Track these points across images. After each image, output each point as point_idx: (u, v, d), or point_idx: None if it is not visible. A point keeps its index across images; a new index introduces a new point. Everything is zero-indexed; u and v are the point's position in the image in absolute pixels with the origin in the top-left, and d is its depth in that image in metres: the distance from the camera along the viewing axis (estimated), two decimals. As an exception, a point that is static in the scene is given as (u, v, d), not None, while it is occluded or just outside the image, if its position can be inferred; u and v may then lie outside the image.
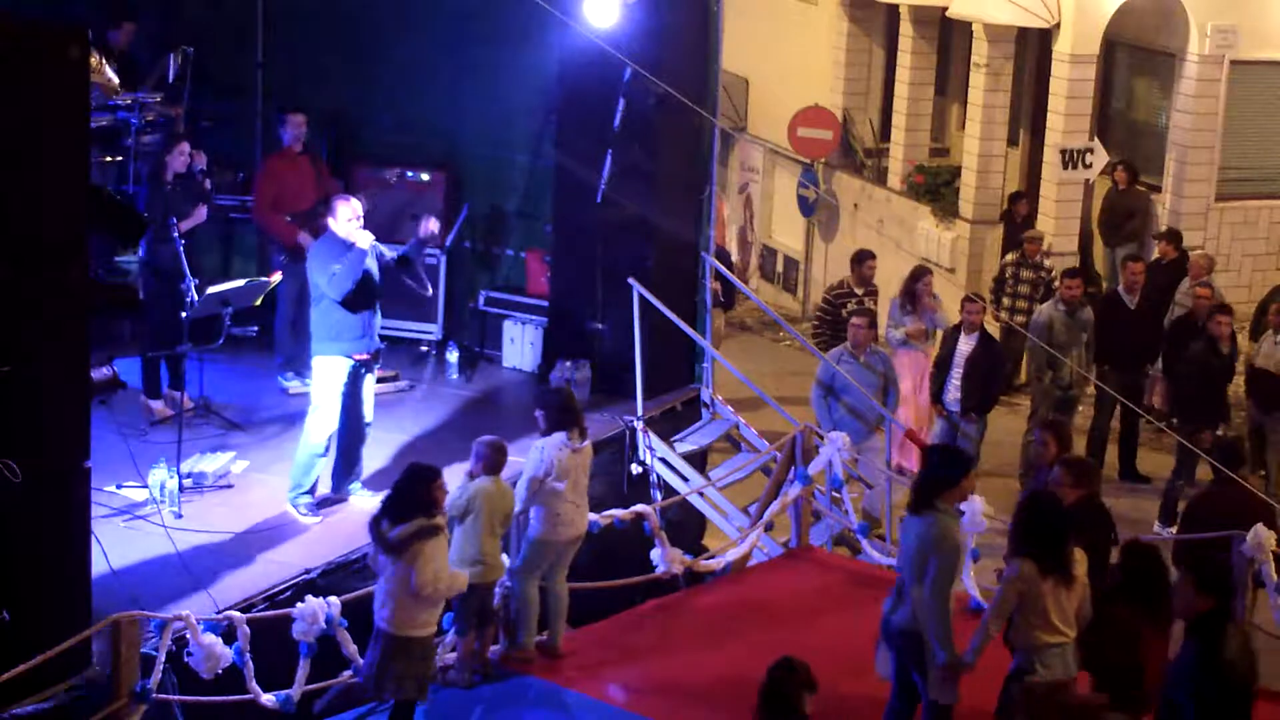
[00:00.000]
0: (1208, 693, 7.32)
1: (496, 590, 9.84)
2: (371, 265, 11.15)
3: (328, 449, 11.16)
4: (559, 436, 9.86)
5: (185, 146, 12.62)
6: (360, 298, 11.04)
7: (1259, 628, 11.20)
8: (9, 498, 8.17)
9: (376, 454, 11.94)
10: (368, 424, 11.40)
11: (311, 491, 11.18)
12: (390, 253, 11.35)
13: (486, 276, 14.69)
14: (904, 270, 19.72)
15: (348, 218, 11.06)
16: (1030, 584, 8.14)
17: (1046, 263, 17.05)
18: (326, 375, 11.08)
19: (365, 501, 11.24)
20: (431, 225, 11.54)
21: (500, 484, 9.60)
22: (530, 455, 9.90)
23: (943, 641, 8.24)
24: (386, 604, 8.81)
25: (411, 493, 8.86)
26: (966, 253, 19.54)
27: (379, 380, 13.41)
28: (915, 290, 14.85)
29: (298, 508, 11.10)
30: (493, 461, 9.60)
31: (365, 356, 11.15)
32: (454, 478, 11.08)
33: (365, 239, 11.04)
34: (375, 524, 8.83)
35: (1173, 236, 17.15)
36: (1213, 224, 18.77)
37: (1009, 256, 17.48)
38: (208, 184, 12.88)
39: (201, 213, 12.59)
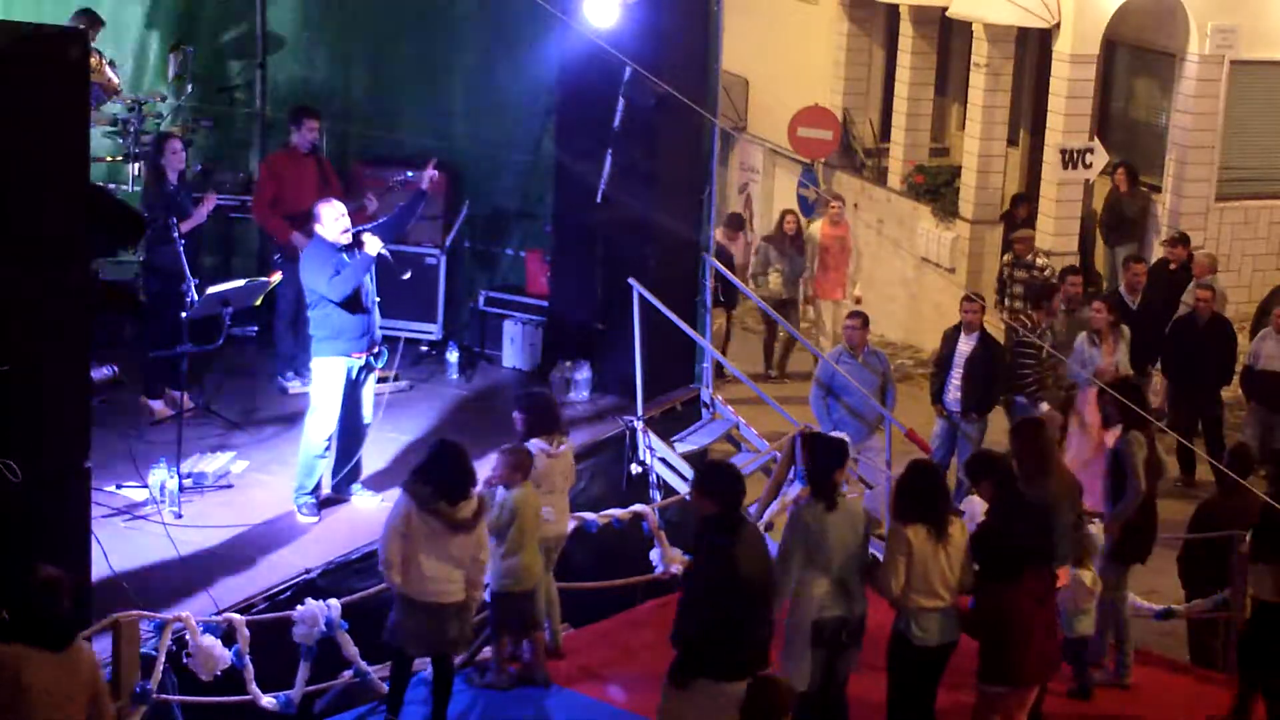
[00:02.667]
0: (720, 586, 7.85)
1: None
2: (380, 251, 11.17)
3: (327, 449, 11.16)
4: (537, 442, 9.84)
5: (177, 144, 12.60)
6: (359, 297, 11.05)
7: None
8: (9, 498, 8.16)
9: (377, 454, 11.94)
10: (367, 424, 11.39)
11: (314, 492, 11.18)
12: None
13: (486, 276, 14.69)
14: (905, 270, 19.76)
15: (334, 219, 11.03)
16: (915, 549, 8.55)
17: (1039, 262, 17.04)
18: (325, 376, 11.08)
19: (366, 501, 11.25)
20: (432, 172, 11.59)
21: (531, 489, 9.61)
22: None
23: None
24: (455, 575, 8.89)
25: (461, 469, 8.97)
26: (966, 253, 19.55)
27: (379, 380, 13.47)
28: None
29: (300, 508, 11.11)
30: (526, 468, 9.61)
31: (364, 355, 11.14)
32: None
33: (374, 246, 11.02)
34: (427, 505, 8.83)
35: (1183, 240, 17.13)
36: (1213, 224, 18.77)
37: (1005, 258, 17.50)
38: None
39: (201, 212, 12.59)
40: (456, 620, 9.03)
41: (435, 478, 8.92)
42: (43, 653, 6.98)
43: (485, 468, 11.53)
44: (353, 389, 11.17)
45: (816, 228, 18.50)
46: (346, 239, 11.07)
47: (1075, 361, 14.08)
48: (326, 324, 11.03)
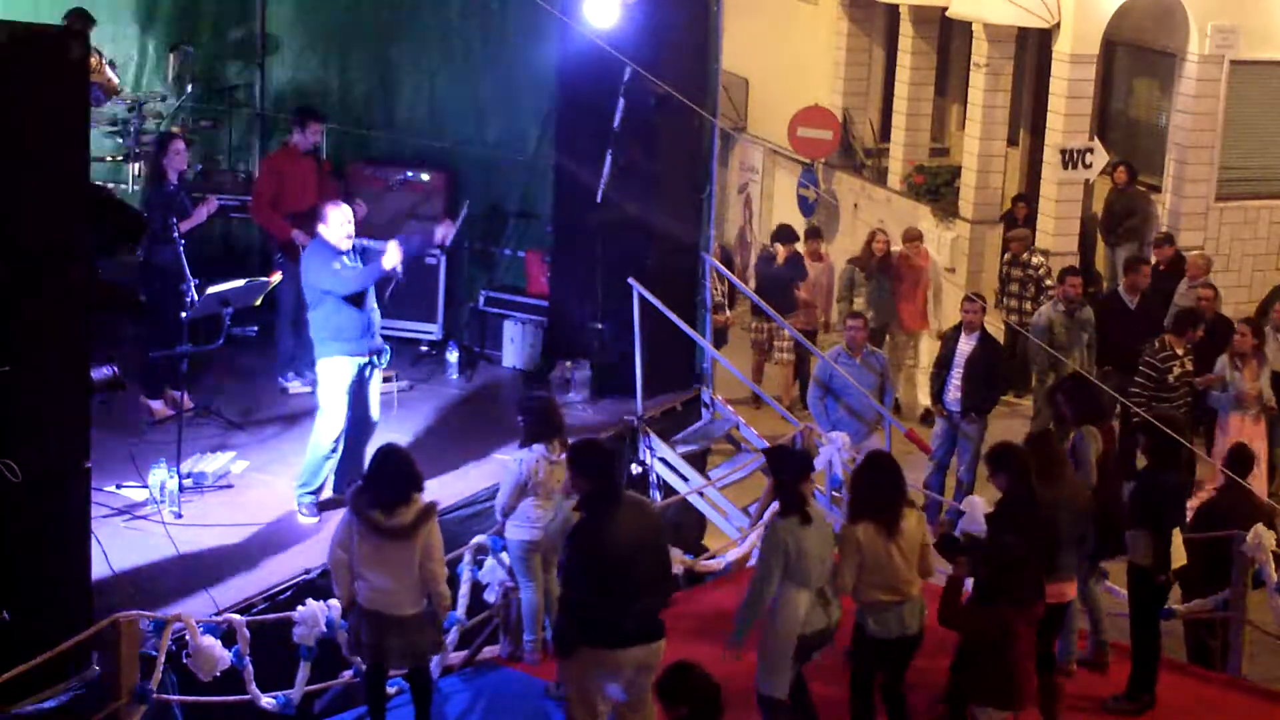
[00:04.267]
0: (589, 559, 8.02)
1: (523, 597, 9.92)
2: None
3: (335, 449, 11.14)
4: (539, 449, 9.78)
5: (180, 145, 12.61)
6: (360, 295, 11.04)
7: (1258, 627, 11.22)
8: (9, 498, 8.17)
9: (376, 454, 11.94)
10: (374, 423, 11.38)
11: (317, 492, 11.17)
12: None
13: (486, 276, 14.70)
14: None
15: (340, 222, 11.01)
16: (865, 545, 8.62)
17: (1034, 261, 17.05)
18: (331, 377, 11.06)
19: None
20: (445, 231, 11.59)
21: None
22: (508, 467, 9.85)
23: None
24: (390, 587, 8.68)
25: (398, 474, 8.78)
26: (966, 253, 19.55)
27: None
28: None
29: (301, 507, 11.11)
30: None
31: (367, 356, 11.14)
32: (455, 480, 11.12)
33: (392, 259, 10.98)
34: (360, 513, 8.66)
35: (1168, 240, 17.17)
36: (1213, 224, 18.77)
37: (1005, 257, 17.53)
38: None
39: (202, 213, 12.59)
40: (413, 631, 8.80)
41: (371, 484, 8.79)
42: None
43: (486, 468, 11.59)
44: (359, 388, 11.16)
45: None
46: (348, 244, 11.05)
47: (1217, 385, 14.06)
48: (327, 324, 11.02)
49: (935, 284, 17.50)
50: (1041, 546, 8.96)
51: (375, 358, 11.23)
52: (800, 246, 17.67)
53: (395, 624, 8.71)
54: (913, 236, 17.47)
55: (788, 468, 8.85)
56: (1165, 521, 9.94)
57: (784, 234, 17.84)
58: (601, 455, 8.40)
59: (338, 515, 10.99)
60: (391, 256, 11.02)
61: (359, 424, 11.24)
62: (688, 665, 7.22)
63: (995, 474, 9.21)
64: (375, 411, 11.38)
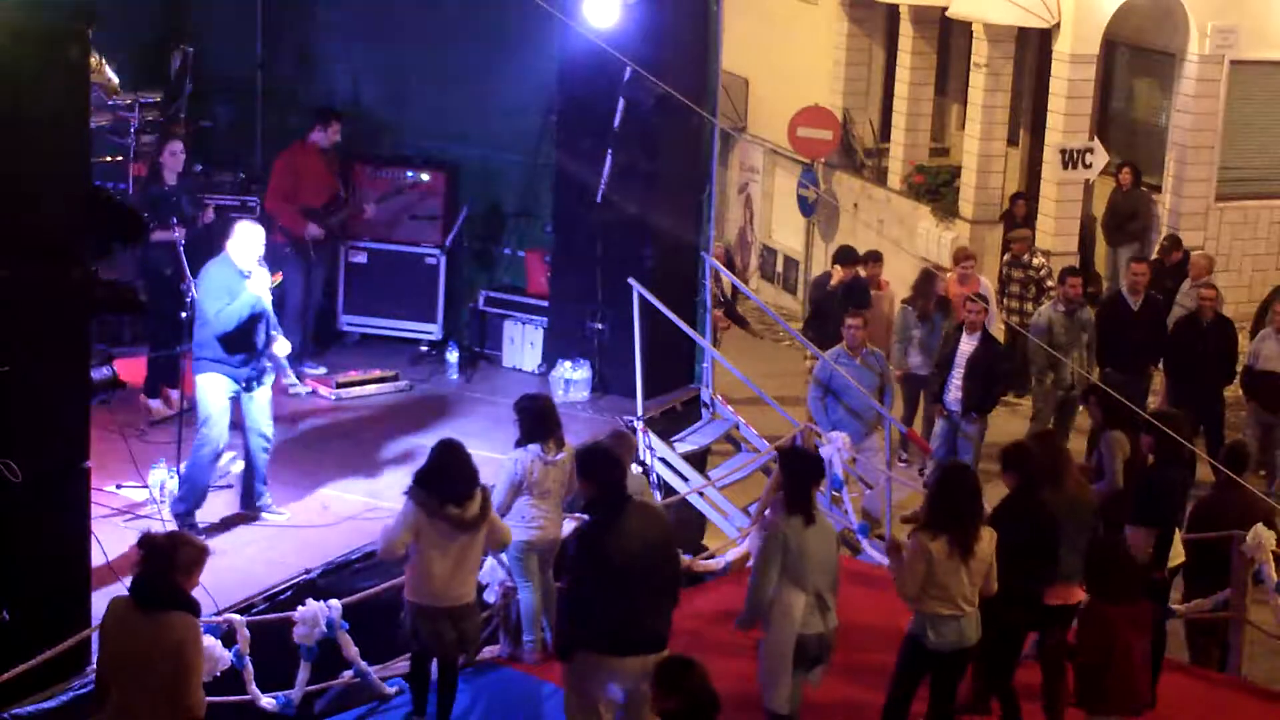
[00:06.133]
0: (590, 565, 8.02)
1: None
2: (265, 303, 10.78)
3: (214, 463, 10.79)
4: (534, 448, 9.78)
5: (178, 146, 12.61)
6: (242, 338, 10.65)
7: (1259, 627, 11.21)
8: (9, 498, 8.17)
9: (377, 455, 11.96)
10: (266, 434, 10.99)
11: (193, 510, 10.74)
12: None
13: (486, 276, 14.70)
14: (905, 270, 19.75)
15: (249, 241, 10.69)
16: (936, 559, 8.48)
17: (1035, 261, 17.04)
18: (208, 392, 10.68)
19: (275, 517, 11.06)
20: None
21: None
22: (504, 466, 9.85)
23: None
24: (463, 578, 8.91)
25: (463, 468, 8.92)
26: (966, 253, 19.55)
27: (379, 380, 13.50)
28: None
29: (174, 517, 10.62)
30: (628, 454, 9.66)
31: (244, 382, 10.76)
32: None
33: (262, 284, 10.67)
34: (433, 509, 8.76)
35: (1176, 244, 17.16)
36: (1213, 224, 18.78)
37: (1005, 257, 17.52)
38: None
39: (200, 222, 12.58)
40: (466, 622, 9.02)
41: (439, 480, 8.87)
42: (136, 610, 7.09)
43: (485, 469, 11.58)
44: (246, 402, 10.79)
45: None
46: (252, 265, 10.68)
47: None
48: (209, 347, 10.62)
49: (990, 314, 15.13)
50: (1045, 548, 8.97)
51: (255, 380, 10.86)
52: (861, 270, 15.81)
53: (454, 613, 8.89)
54: (966, 257, 16.04)
55: (798, 466, 8.83)
56: (1167, 519, 9.94)
57: (844, 255, 15.95)
58: (607, 461, 8.37)
59: (339, 515, 11.09)
60: (259, 283, 10.63)
61: (251, 435, 10.91)
62: (690, 662, 7.19)
63: (1006, 471, 9.20)
64: (266, 423, 10.97)
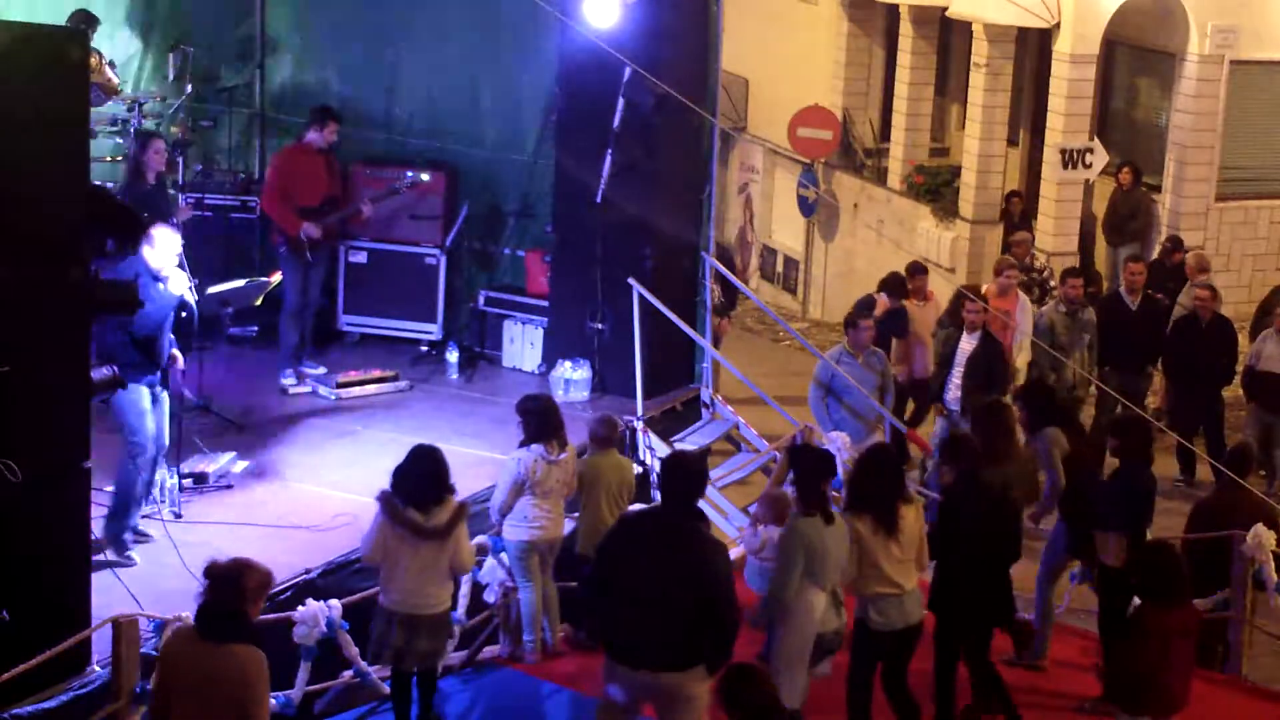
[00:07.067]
0: (604, 571, 7.86)
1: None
2: (188, 296, 10.53)
3: (140, 473, 10.48)
4: (537, 448, 9.77)
5: (160, 145, 12.58)
6: (149, 344, 10.35)
7: (1259, 627, 11.21)
8: (9, 498, 8.17)
9: (378, 455, 11.94)
10: (164, 445, 10.71)
11: (133, 525, 10.47)
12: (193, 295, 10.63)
13: (486, 276, 14.70)
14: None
15: (165, 245, 10.33)
16: (864, 538, 8.65)
17: (1037, 264, 17.03)
18: (134, 402, 10.37)
19: (155, 528, 10.74)
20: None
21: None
22: (506, 466, 9.83)
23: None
24: (416, 586, 8.78)
25: (432, 474, 8.83)
26: (966, 253, 19.56)
27: (379, 380, 13.49)
28: None
29: (125, 543, 10.34)
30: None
31: (148, 387, 10.45)
32: (455, 480, 11.06)
33: (180, 284, 10.39)
34: (396, 513, 8.72)
35: (1178, 246, 17.16)
36: (1213, 224, 18.78)
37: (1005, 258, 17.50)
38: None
39: (177, 220, 12.49)
40: (439, 630, 8.94)
41: (402, 483, 8.82)
42: (201, 640, 7.07)
43: (485, 469, 11.58)
44: (151, 408, 10.52)
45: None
46: (168, 269, 10.37)
47: None
48: (125, 352, 10.26)
49: (1022, 333, 14.71)
50: (1001, 527, 9.10)
51: (157, 387, 10.55)
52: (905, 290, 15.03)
53: (423, 624, 8.83)
54: (1009, 266, 15.33)
55: (809, 464, 8.85)
56: (1139, 523, 9.97)
57: (892, 284, 14.96)
58: (687, 476, 7.95)
59: (339, 515, 11.08)
60: (177, 283, 10.35)
61: (155, 453, 10.63)
62: (753, 673, 7.10)
63: (943, 465, 9.47)
64: (165, 436, 10.71)
